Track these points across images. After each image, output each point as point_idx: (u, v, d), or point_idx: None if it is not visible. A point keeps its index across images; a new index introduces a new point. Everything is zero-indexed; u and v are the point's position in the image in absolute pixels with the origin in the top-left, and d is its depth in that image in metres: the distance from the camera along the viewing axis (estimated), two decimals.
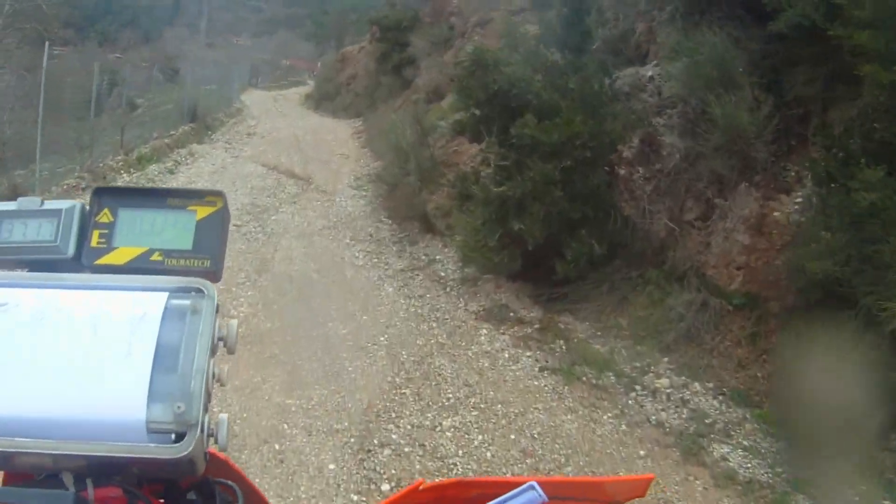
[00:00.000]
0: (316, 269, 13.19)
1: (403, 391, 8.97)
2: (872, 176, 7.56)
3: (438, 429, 8.20)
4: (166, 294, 1.26)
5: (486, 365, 9.75)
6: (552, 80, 11.63)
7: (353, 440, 7.86)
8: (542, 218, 10.67)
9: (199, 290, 1.28)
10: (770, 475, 7.64)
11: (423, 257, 14.17)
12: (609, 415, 8.64)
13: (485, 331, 10.81)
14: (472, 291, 12.20)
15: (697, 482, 7.48)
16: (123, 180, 18.63)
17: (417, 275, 13.26)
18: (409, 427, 8.21)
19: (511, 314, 11.28)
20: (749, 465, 7.78)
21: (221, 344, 1.29)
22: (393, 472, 7.42)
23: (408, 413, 8.48)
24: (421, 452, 7.77)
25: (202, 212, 1.44)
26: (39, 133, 16.09)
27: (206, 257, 1.42)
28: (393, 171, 18.37)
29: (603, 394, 9.11)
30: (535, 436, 8.13)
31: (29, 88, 17.45)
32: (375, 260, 13.99)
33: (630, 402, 8.93)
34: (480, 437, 8.06)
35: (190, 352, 1.20)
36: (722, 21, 11.04)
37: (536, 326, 10.89)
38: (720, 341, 9.69)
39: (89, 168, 18.40)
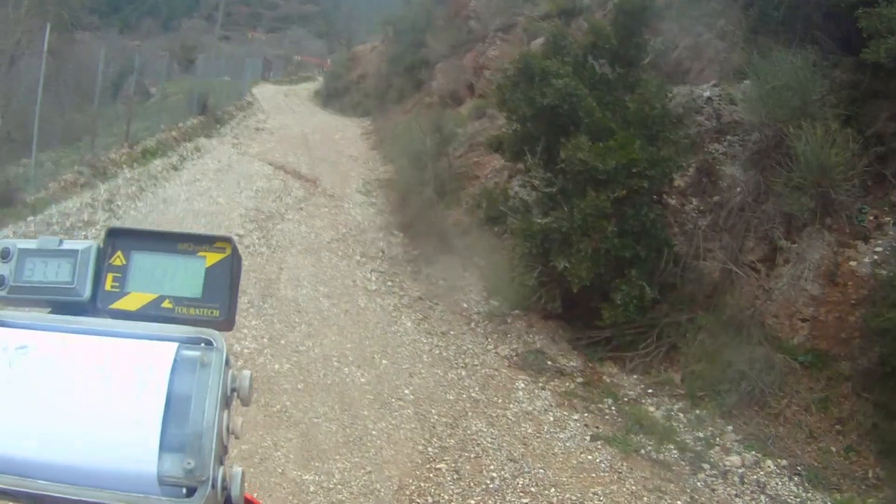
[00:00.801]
0: (326, 293, 11.46)
1: (438, 466, 7.34)
2: None
3: None
4: (176, 345, 1.14)
5: (531, 431, 8.17)
6: (601, 96, 9.92)
7: None
8: (590, 256, 8.93)
9: (207, 342, 1.16)
10: None
11: (442, 282, 12.45)
12: (679, 502, 7.13)
13: (522, 383, 9.22)
14: (501, 331, 10.53)
15: None
16: (125, 176, 17.05)
17: (437, 304, 11.57)
18: None
19: (549, 362, 9.69)
20: None
21: (235, 395, 1.16)
22: None
23: (446, 498, 6.86)
24: None
25: (211, 258, 1.34)
26: (37, 123, 14.65)
27: (215, 307, 1.31)
28: (405, 179, 16.80)
29: (667, 473, 7.64)
30: None
31: (51, 71, 16.16)
32: (390, 283, 12.28)
33: (699, 484, 7.52)
34: None
35: (200, 406, 1.08)
36: (799, 44, 9.38)
37: (579, 380, 9.39)
38: (787, 405, 8.40)
39: (90, 162, 16.85)
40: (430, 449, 7.59)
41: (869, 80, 9.01)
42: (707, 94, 10.83)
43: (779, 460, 7.74)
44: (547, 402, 8.76)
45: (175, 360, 1.09)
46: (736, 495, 7.29)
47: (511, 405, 8.65)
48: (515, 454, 7.63)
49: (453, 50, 24.27)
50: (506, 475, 7.24)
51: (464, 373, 9.35)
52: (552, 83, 9.71)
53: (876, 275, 8.18)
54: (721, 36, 12.14)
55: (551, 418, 8.42)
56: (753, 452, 7.87)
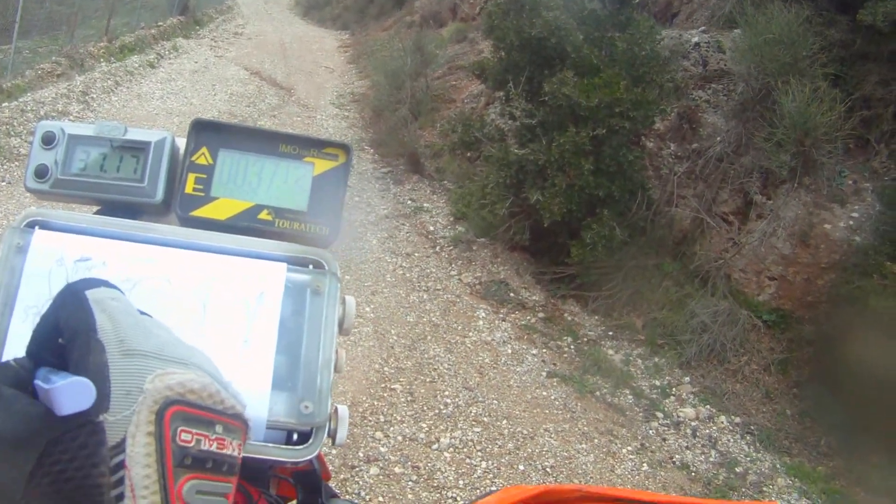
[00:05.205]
0: None
1: (394, 386, 7.21)
2: None
3: (435, 447, 6.50)
4: (284, 266, 1.05)
5: (488, 362, 7.99)
6: (590, 32, 9.62)
7: (335, 450, 6.07)
8: (564, 191, 8.67)
9: (317, 265, 1.08)
10: None
11: (410, 202, 12.17)
12: (629, 448, 7.03)
13: (483, 312, 9.00)
14: (466, 257, 10.25)
15: None
16: (101, 69, 16.49)
17: (403, 224, 11.29)
18: (400, 439, 6.51)
19: (511, 294, 9.45)
20: None
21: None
22: (380, 499, 5.79)
23: (399, 418, 6.76)
24: (415, 477, 6.11)
25: (321, 165, 1.22)
26: (19, 12, 14.39)
27: (322, 223, 1.20)
28: (380, 95, 16.46)
29: (620, 417, 7.49)
30: (548, 469, 6.52)
31: None
32: (357, 199, 11.99)
33: (651, 432, 7.37)
34: (484, 464, 6.42)
35: (314, 341, 1.01)
36: None
37: (541, 315, 9.14)
38: (746, 363, 8.22)
39: (68, 53, 16.36)
40: (386, 369, 7.43)
41: (861, 42, 8.77)
42: (695, 39, 10.53)
43: (733, 417, 7.60)
44: (506, 334, 8.55)
45: (285, 286, 1.01)
46: (686, 447, 7.15)
47: (470, 333, 8.45)
48: (471, 383, 7.47)
49: None
50: (460, 402, 7.10)
51: (425, 296, 9.13)
52: (542, 14, 9.40)
53: (850, 241, 7.99)
54: None
55: (509, 351, 8.23)
56: (708, 406, 7.72)
